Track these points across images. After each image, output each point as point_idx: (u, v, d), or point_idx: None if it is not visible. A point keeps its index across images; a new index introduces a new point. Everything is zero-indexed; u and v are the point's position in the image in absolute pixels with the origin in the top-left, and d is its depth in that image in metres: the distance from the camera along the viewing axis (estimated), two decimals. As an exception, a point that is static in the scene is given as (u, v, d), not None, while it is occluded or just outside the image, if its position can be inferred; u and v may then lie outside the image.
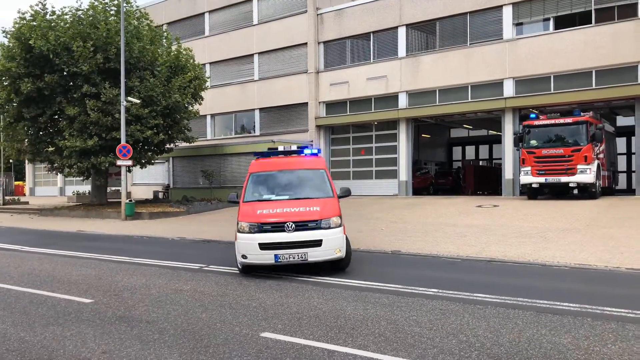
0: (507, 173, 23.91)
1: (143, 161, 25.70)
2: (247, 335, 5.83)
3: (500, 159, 25.61)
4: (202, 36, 34.37)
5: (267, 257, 8.90)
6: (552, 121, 19.93)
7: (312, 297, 7.63)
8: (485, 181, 30.10)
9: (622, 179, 28.90)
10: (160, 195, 32.16)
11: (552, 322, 6.21)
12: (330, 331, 5.94)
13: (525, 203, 19.92)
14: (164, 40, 26.09)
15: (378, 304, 7.22)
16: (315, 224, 8.95)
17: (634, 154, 23.51)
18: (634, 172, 23.38)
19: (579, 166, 18.81)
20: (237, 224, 9.32)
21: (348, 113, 28.84)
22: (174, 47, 25.90)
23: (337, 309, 6.96)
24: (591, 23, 21.71)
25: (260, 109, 32.06)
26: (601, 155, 20.28)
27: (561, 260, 10.29)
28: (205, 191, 28.23)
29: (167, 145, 26.37)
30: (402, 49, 26.82)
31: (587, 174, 18.82)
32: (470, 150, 41.01)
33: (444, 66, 25.26)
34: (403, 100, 26.75)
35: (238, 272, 9.80)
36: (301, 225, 8.90)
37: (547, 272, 9.56)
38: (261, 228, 8.93)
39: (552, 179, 19.33)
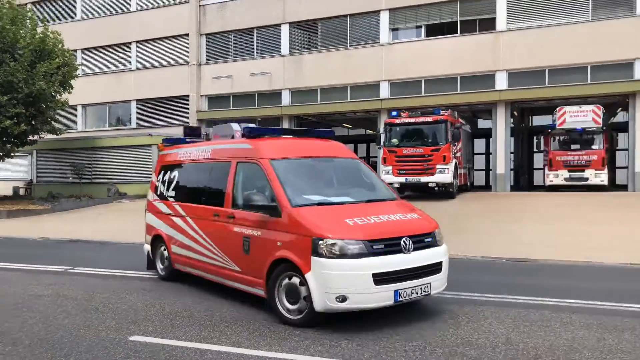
0: (382, 172, 25.16)
1: (1, 154, 23.34)
2: (114, 340, 5.57)
3: (376, 157, 26.89)
4: (73, 19, 31.96)
5: (385, 296, 5.69)
6: (412, 120, 19.95)
7: (186, 297, 7.48)
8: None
9: (481, 177, 31.74)
10: (22, 191, 29.40)
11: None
12: (203, 330, 5.88)
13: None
14: (28, 21, 23.82)
15: (258, 301, 7.25)
16: (431, 240, 6.26)
17: (491, 154, 25.90)
18: (491, 170, 25.74)
19: (437, 166, 18.98)
20: (294, 241, 5.88)
21: (231, 108, 28.53)
22: (39, 30, 23.73)
23: (212, 307, 6.89)
24: (457, 33, 23.57)
25: (138, 101, 30.58)
26: (458, 154, 20.96)
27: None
28: (74, 187, 26.32)
29: (30, 137, 24.15)
30: (285, 47, 27.08)
31: (445, 174, 19.03)
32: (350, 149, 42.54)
33: (326, 66, 25.93)
34: (286, 98, 27.04)
35: (106, 274, 9.30)
36: (418, 242, 6.05)
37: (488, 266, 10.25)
38: (371, 249, 5.69)
39: (412, 178, 19.44)
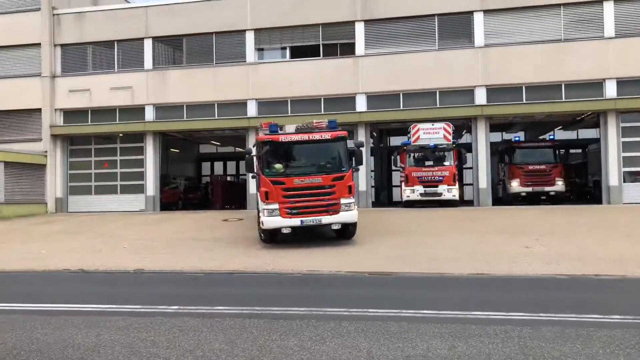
0: (252, 188, 25.26)
1: None
2: None
3: (245, 175, 26.89)
4: None
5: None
6: (303, 136, 13.63)
7: (36, 328, 6.87)
8: (232, 196, 31.17)
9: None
10: None
11: (283, 327, 6.82)
12: (57, 366, 5.45)
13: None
14: None
15: (114, 327, 6.90)
16: None
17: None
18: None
19: (342, 200, 13.57)
20: None
21: (90, 123, 26.74)
22: None
23: (65, 338, 6.41)
24: (320, 56, 24.62)
25: (-20, 114, 27.40)
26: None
27: (295, 268, 11.37)
28: None
29: None
30: (148, 61, 26.14)
31: (351, 210, 13.83)
32: (218, 166, 42.01)
33: (191, 82, 25.49)
34: (150, 113, 26.03)
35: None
36: None
37: (282, 280, 10.44)
38: None
39: (309, 219, 13.52)
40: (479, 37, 22.92)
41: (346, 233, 14.44)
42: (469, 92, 23.03)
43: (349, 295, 8.89)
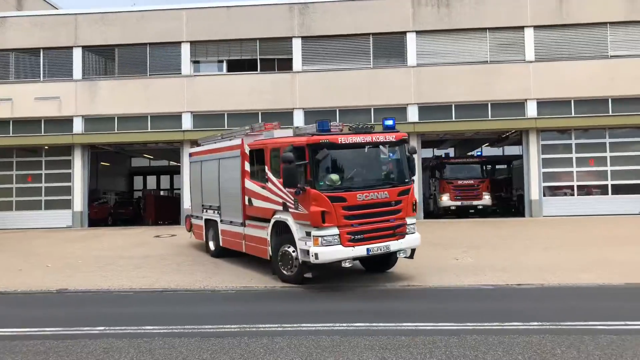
0: (187, 203, 24.73)
1: None
2: None
3: (180, 189, 26.34)
4: None
5: None
6: (364, 139, 10.55)
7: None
8: (166, 211, 30.40)
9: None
10: None
11: (214, 346, 6.70)
12: None
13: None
14: None
15: (31, 352, 6.53)
16: None
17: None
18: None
19: (408, 220, 10.85)
20: None
21: (11, 134, 25.32)
22: None
23: None
24: (257, 70, 24.63)
25: None
26: None
27: (229, 285, 11.19)
28: None
29: None
30: (77, 71, 25.17)
31: (417, 234, 11.10)
32: (151, 180, 40.89)
33: (123, 94, 24.75)
34: (79, 125, 25.01)
35: None
36: None
37: (214, 297, 10.26)
38: None
39: (377, 247, 10.32)
40: (411, 57, 23.75)
41: (390, 262, 11.52)
42: (402, 110, 23.73)
43: (283, 310, 8.86)
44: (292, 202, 10.42)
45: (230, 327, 7.60)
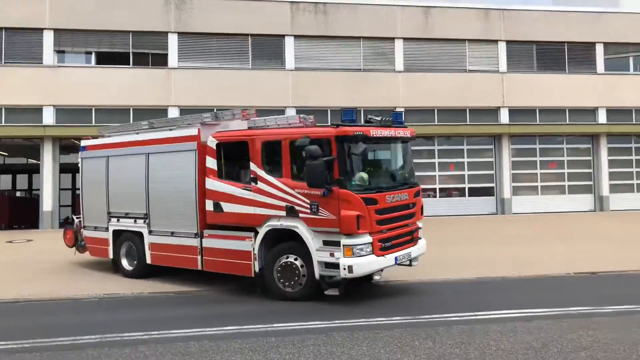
0: (46, 205, 22.81)
1: None
2: None
3: (39, 189, 24.18)
4: None
5: None
6: (390, 131, 9.79)
7: None
8: (23, 213, 27.68)
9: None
10: None
11: None
12: None
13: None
14: None
15: None
16: None
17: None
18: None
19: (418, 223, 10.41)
20: None
21: None
22: None
23: None
24: (130, 64, 23.41)
25: None
26: None
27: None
28: None
29: None
30: None
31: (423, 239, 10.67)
32: (6, 179, 37.00)
33: (-28, 82, 22.16)
34: None
35: None
36: None
37: (77, 305, 9.59)
38: None
39: (402, 255, 9.48)
40: (290, 61, 24.10)
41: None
42: (280, 112, 23.92)
43: (152, 317, 8.53)
44: (307, 206, 8.83)
45: (89, 337, 7.16)
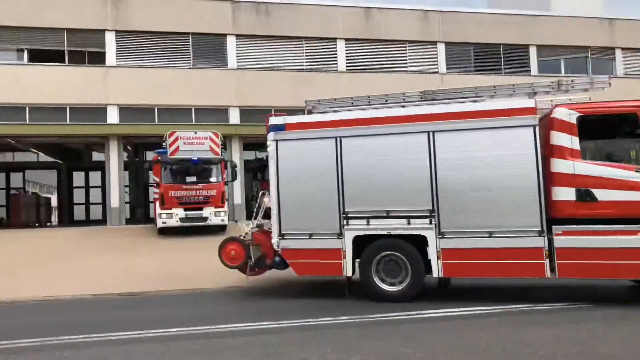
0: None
1: None
2: None
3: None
4: None
5: None
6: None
7: None
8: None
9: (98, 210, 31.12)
10: None
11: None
12: None
13: (1, 236, 18.63)
14: None
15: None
16: None
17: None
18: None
19: None
20: None
21: None
22: None
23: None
24: (65, 62, 22.63)
25: None
26: None
27: (32, 295, 10.25)
28: None
29: None
30: None
31: None
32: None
33: None
34: None
35: None
36: None
37: (14, 309, 9.30)
38: None
39: None
40: (232, 60, 23.99)
41: None
42: (223, 112, 23.86)
43: (94, 320, 8.39)
44: None
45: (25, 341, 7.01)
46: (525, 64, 27.32)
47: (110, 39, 22.85)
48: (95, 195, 32.57)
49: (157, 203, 18.51)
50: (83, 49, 22.99)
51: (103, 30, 22.80)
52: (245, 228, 9.97)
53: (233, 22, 23.96)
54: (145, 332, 7.37)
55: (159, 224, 18.11)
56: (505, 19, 27.06)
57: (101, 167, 25.20)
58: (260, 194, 10.63)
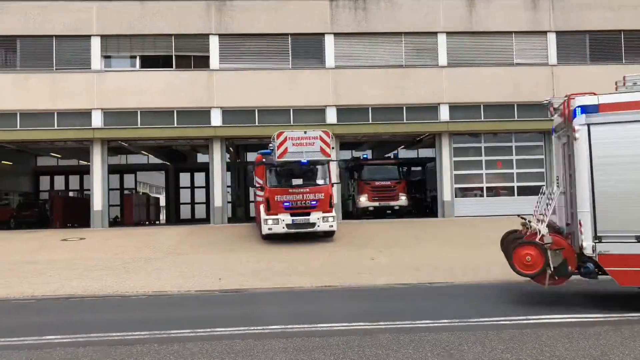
0: (97, 204, 23.49)
1: None
2: None
3: (89, 190, 24.96)
4: None
5: None
6: None
7: None
8: (75, 213, 28.71)
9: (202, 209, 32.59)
10: None
11: (121, 354, 6.35)
12: None
13: (114, 233, 19.97)
14: None
15: None
16: None
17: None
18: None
19: None
20: None
21: None
22: None
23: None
24: (172, 67, 23.83)
25: None
26: None
27: (140, 290, 10.71)
28: None
29: None
30: (-28, 62, 23.16)
31: None
32: (59, 180, 38.46)
33: (27, 88, 23.02)
34: (-27, 121, 23.03)
35: None
36: None
37: (125, 303, 9.77)
38: None
39: None
40: (329, 59, 23.93)
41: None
42: (320, 111, 23.87)
43: (197, 315, 8.59)
44: None
45: (139, 334, 7.25)
46: (650, 50, 24.66)
47: (214, 43, 23.70)
48: (200, 195, 34.16)
49: (262, 207, 17.09)
50: (189, 54, 24.03)
51: (207, 35, 23.70)
52: (541, 228, 8.36)
53: (331, 21, 23.88)
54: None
55: (264, 230, 16.57)
56: (626, 2, 24.51)
57: (205, 168, 26.25)
58: (545, 188, 9.33)
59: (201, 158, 32.21)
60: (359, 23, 23.94)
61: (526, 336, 6.82)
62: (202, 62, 23.86)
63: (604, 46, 24.70)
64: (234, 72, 23.74)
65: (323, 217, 16.31)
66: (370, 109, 24.01)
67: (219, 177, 23.70)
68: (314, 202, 16.39)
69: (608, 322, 7.42)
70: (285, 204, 16.28)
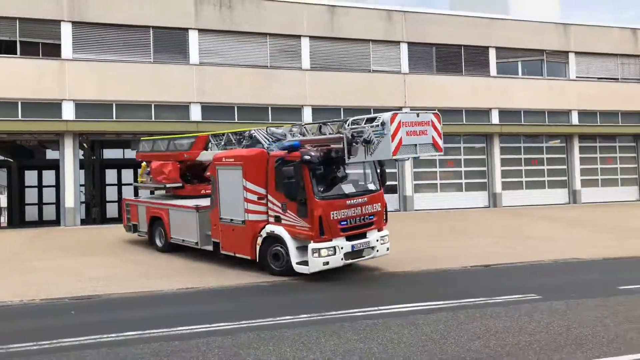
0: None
1: None
2: None
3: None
4: None
5: None
6: None
7: None
8: None
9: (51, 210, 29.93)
10: None
11: None
12: None
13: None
14: None
15: None
16: None
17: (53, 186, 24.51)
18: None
19: None
20: None
21: None
22: None
23: None
24: (17, 54, 21.57)
25: None
26: None
27: None
28: None
29: None
30: None
31: None
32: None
33: None
34: None
35: None
36: None
37: None
38: None
39: None
40: (194, 55, 23.36)
41: None
42: (184, 108, 23.24)
43: (43, 326, 7.93)
44: None
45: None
46: (485, 65, 27.77)
47: (66, 31, 21.82)
48: (49, 194, 31.32)
49: (300, 228, 10.76)
50: (37, 40, 21.88)
51: (59, 21, 21.77)
52: None
53: (195, 16, 23.34)
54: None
55: (315, 265, 10.49)
56: (466, 21, 27.38)
57: (56, 165, 24.13)
58: None
59: (51, 155, 29.51)
60: (224, 20, 23.73)
61: (378, 326, 7.35)
62: (53, 51, 21.93)
63: (448, 58, 27.31)
64: (90, 62, 22.18)
65: (381, 238, 11.46)
66: (236, 107, 23.93)
67: (71, 176, 21.99)
68: (371, 217, 11.29)
69: (446, 308, 8.30)
70: (342, 222, 10.78)
